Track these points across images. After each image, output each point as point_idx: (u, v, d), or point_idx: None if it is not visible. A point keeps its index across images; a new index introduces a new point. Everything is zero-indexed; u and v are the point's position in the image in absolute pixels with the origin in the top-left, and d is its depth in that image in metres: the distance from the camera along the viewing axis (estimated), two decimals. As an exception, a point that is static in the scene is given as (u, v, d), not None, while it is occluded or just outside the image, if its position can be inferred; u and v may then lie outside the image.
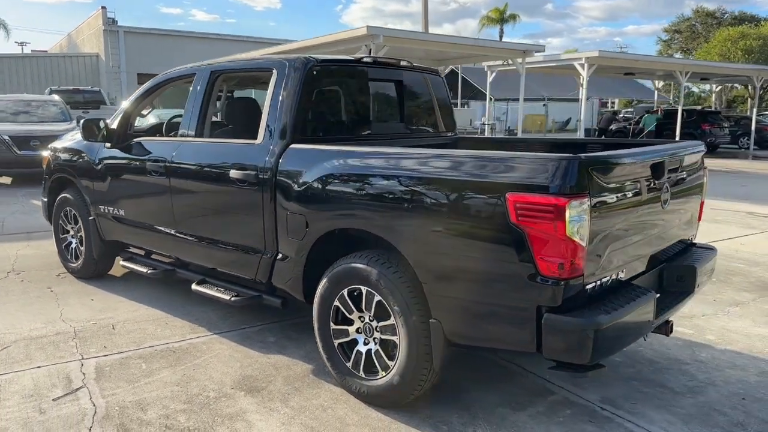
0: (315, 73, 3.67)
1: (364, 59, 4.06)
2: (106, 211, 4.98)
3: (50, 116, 12.74)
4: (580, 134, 20.18)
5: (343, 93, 4.01)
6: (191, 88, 4.31)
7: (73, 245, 5.54)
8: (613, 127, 27.86)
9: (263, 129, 3.66)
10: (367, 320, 3.18)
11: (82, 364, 3.74)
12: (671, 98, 38.11)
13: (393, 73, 4.30)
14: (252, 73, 4.74)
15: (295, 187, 3.40)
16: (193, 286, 4.14)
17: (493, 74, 20.13)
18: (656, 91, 31.18)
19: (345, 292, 3.21)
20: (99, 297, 5.06)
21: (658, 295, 2.91)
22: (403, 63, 4.35)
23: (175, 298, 4.96)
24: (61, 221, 5.62)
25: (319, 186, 3.28)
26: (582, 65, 18.03)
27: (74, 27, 38.70)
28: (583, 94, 19.21)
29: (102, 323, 4.44)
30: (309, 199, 3.34)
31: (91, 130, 4.74)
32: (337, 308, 3.28)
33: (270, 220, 3.54)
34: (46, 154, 5.88)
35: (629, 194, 2.82)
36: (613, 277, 2.82)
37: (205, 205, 4.05)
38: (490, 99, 23.24)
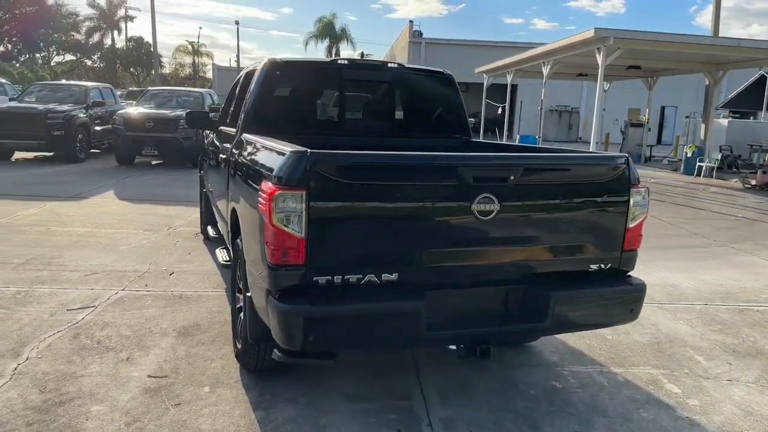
0: (278, 72, 4.20)
1: (338, 61, 4.38)
2: (206, 185, 6.22)
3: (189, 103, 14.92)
4: None
5: (308, 91, 4.40)
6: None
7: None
8: None
9: (237, 120, 4.33)
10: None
11: (117, 293, 4.96)
12: None
13: (374, 73, 4.50)
14: None
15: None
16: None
17: None
18: None
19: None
20: (197, 254, 6.35)
21: (422, 302, 2.73)
22: (391, 65, 4.52)
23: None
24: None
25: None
26: None
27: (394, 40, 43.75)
28: None
29: (171, 270, 5.65)
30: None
31: (191, 120, 5.99)
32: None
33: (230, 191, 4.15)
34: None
35: (387, 196, 2.71)
36: (373, 278, 2.76)
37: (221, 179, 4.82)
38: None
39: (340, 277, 2.72)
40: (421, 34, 33.87)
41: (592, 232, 3.15)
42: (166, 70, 76.38)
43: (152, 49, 57.19)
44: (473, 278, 2.97)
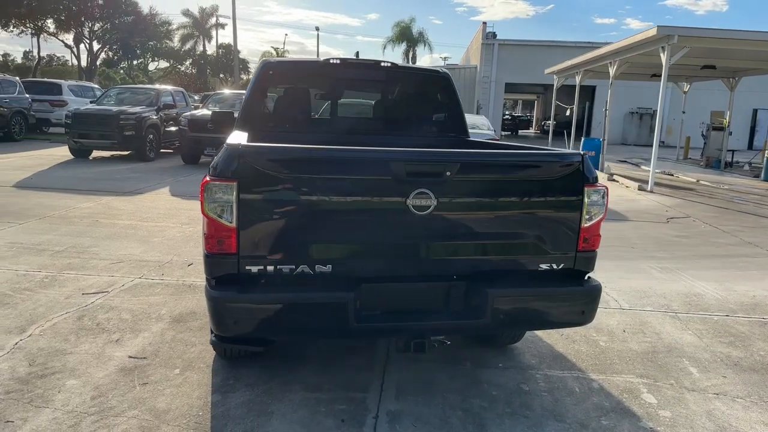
0: (270, 72, 4.36)
1: (331, 60, 4.48)
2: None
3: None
4: None
5: (300, 91, 4.53)
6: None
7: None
8: None
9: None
10: None
11: (132, 280, 5.30)
12: None
13: (366, 72, 4.55)
14: None
15: None
16: None
17: None
18: None
19: None
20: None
21: (352, 295, 2.77)
22: (384, 64, 4.56)
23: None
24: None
25: None
26: None
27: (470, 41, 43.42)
28: None
29: (191, 262, 5.96)
30: None
31: (215, 121, 6.27)
32: None
33: None
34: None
35: (319, 190, 2.77)
36: (307, 269, 2.83)
37: None
38: None
39: (273, 266, 2.81)
40: (495, 35, 33.38)
41: (542, 231, 3.08)
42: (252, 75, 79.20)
43: (232, 56, 59.44)
44: (411, 273, 2.98)
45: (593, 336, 4.48)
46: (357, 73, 4.61)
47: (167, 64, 62.22)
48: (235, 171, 2.69)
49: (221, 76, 68.83)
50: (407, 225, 2.87)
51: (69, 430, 2.95)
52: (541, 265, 3.11)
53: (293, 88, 4.59)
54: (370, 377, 3.65)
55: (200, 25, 64.33)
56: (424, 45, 52.36)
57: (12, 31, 42.55)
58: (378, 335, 3.11)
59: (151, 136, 14.68)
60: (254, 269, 2.80)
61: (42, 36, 44.15)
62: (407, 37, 51.28)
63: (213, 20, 65.56)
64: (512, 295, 3.00)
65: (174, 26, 59.90)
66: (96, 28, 46.09)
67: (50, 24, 43.22)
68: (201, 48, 66.66)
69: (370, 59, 4.56)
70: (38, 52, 50.20)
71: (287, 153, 2.79)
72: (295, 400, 3.35)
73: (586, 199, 3.07)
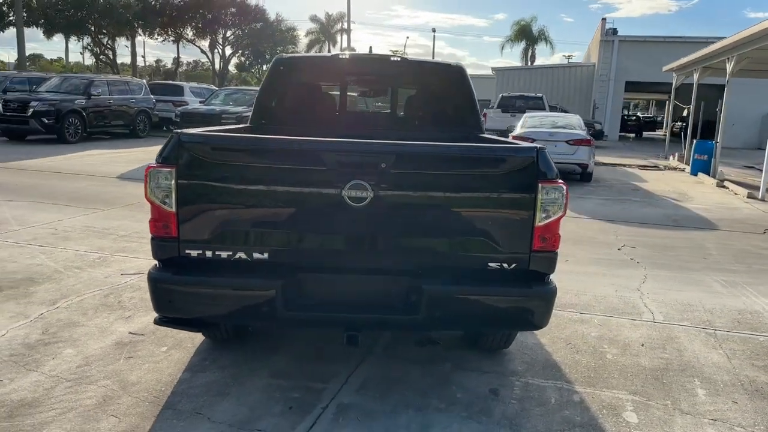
0: (281, 68, 4.50)
1: (340, 56, 4.51)
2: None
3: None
4: None
5: (311, 86, 4.60)
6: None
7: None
8: None
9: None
10: None
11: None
12: None
13: (376, 67, 4.53)
14: None
15: None
16: None
17: None
18: None
19: None
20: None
21: (280, 283, 2.81)
22: (394, 59, 4.53)
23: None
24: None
25: None
26: None
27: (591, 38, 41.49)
28: None
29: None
30: None
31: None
32: None
33: None
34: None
35: (256, 178, 2.83)
36: (244, 255, 2.90)
37: None
38: None
39: (211, 252, 2.92)
40: (616, 31, 31.60)
41: (490, 229, 2.92)
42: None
43: (358, 57, 60.48)
44: (347, 265, 2.96)
45: (603, 347, 4.16)
46: (366, 67, 4.61)
47: (292, 67, 65.06)
48: (175, 158, 2.82)
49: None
50: (343, 217, 2.86)
51: (43, 392, 3.24)
52: (490, 264, 2.96)
53: (303, 83, 4.68)
54: (340, 370, 3.65)
55: (327, 30, 66.89)
56: (546, 43, 50.86)
57: (156, 39, 46.85)
58: (309, 325, 3.11)
59: (250, 134, 15.54)
60: (194, 253, 2.92)
61: (181, 42, 48.05)
62: (526, 35, 50.02)
63: (339, 25, 68.02)
64: (450, 293, 2.89)
65: (299, 32, 62.74)
66: (228, 35, 49.46)
67: (188, 32, 47.01)
68: (326, 52, 69.42)
69: (380, 53, 4.55)
70: (177, 58, 54.78)
71: (224, 141, 2.90)
72: (258, 384, 3.44)
73: (540, 196, 2.88)
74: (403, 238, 2.93)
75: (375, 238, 2.94)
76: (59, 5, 37.37)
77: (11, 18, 31.32)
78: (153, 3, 42.94)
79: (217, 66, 50.58)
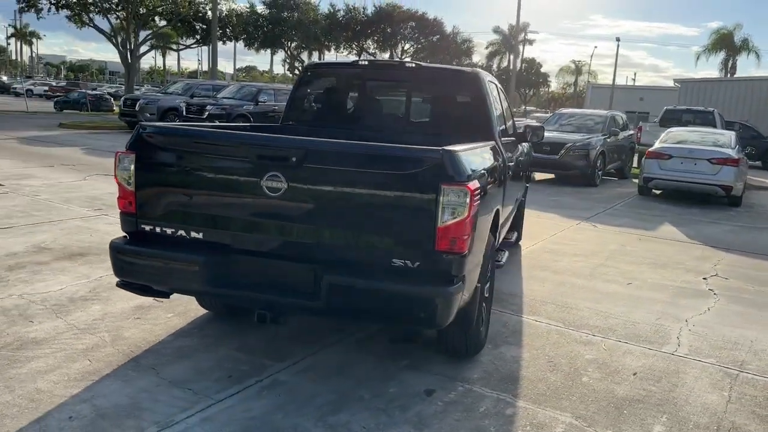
0: (309, 74, 4.90)
1: (359, 62, 4.75)
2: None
3: (591, 128, 14.52)
4: None
5: (333, 90, 4.90)
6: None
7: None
8: None
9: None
10: None
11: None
12: None
13: (392, 73, 4.70)
14: None
15: None
16: None
17: None
18: None
19: None
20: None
21: (202, 259, 3.15)
22: (409, 65, 4.66)
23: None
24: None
25: None
26: None
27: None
28: None
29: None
30: None
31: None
32: None
33: None
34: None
35: (194, 165, 3.22)
36: (182, 233, 3.31)
37: None
38: None
39: (159, 227, 3.37)
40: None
41: (394, 227, 3.00)
42: (552, 88, 78.92)
43: (534, 70, 59.63)
44: (264, 249, 3.22)
45: (586, 371, 3.92)
46: (383, 73, 4.83)
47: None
48: (134, 144, 3.33)
49: (522, 90, 70.21)
50: (262, 204, 3.15)
51: (54, 335, 3.94)
52: (395, 261, 3.03)
53: (328, 87, 5.02)
54: (300, 352, 3.91)
55: (508, 41, 66.49)
56: (751, 53, 45.58)
57: (342, 52, 50.26)
58: (226, 300, 3.38)
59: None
60: (147, 228, 3.40)
61: (362, 55, 50.95)
62: (727, 45, 45.23)
63: (521, 36, 67.21)
64: (348, 284, 3.02)
65: (480, 42, 63.03)
66: (407, 47, 51.43)
67: (370, 45, 49.79)
68: (504, 63, 68.98)
69: (395, 60, 4.71)
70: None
71: (169, 132, 3.34)
72: (219, 354, 3.84)
73: (442, 198, 2.91)
74: (312, 228, 3.13)
75: (288, 227, 3.17)
76: (258, 21, 41.84)
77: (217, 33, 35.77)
78: (340, 19, 46.24)
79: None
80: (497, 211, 4.10)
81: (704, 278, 6.42)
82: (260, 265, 3.24)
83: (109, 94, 39.99)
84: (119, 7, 30.94)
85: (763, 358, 4.32)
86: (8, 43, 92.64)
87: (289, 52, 48.80)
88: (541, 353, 4.16)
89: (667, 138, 12.66)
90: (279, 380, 3.53)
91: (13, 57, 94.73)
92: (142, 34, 33.64)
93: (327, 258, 3.12)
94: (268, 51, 51.28)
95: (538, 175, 15.01)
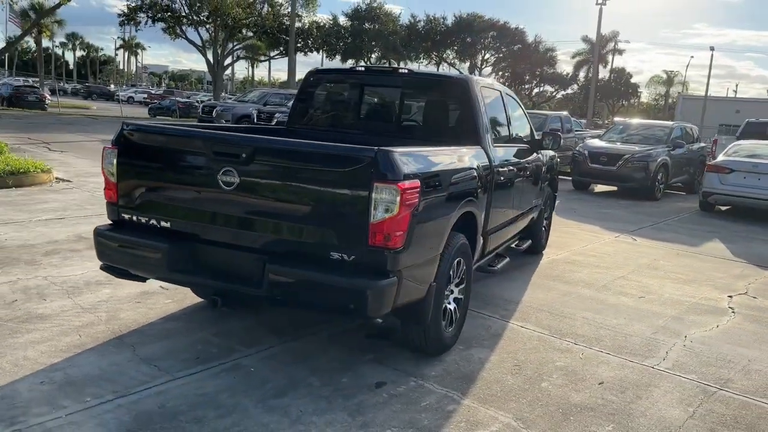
0: (311, 79, 5.16)
1: (356, 68, 4.94)
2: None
3: (653, 139, 13.97)
4: None
5: (332, 94, 5.10)
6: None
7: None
8: None
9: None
10: None
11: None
12: None
13: (386, 79, 4.85)
14: None
15: None
16: None
17: None
18: None
19: None
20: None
21: (166, 246, 3.44)
22: (402, 71, 4.80)
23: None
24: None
25: None
26: None
27: None
28: None
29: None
30: None
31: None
32: None
33: None
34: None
35: (163, 160, 3.52)
36: (153, 222, 3.61)
37: None
38: None
39: (135, 216, 3.70)
40: None
41: (330, 221, 3.16)
42: (644, 98, 75.83)
43: (624, 80, 57.65)
44: (218, 239, 3.46)
45: (550, 377, 3.89)
46: (378, 80, 5.00)
47: (551, 89, 64.17)
48: (117, 140, 3.68)
49: (609, 101, 67.85)
50: (219, 197, 3.41)
51: (59, 312, 4.37)
52: (332, 254, 3.19)
53: (328, 92, 5.24)
54: (272, 341, 4.13)
55: (597, 50, 64.60)
56: None
57: (421, 62, 50.65)
58: (185, 285, 3.61)
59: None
60: (126, 216, 3.74)
61: (442, 65, 51.16)
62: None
63: (610, 45, 65.10)
64: (287, 274, 3.20)
65: (567, 51, 61.65)
66: (487, 57, 51.16)
67: (450, 55, 49.93)
68: (591, 73, 66.98)
69: (388, 67, 4.87)
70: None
71: (142, 129, 3.66)
72: (196, 337, 4.11)
73: (374, 195, 3.04)
74: (260, 221, 3.34)
75: (240, 219, 3.40)
76: (339, 33, 43.01)
77: (299, 44, 37.19)
78: (419, 29, 46.70)
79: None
80: (471, 214, 4.14)
81: (729, 296, 6.09)
82: (216, 254, 3.49)
83: (200, 101, 42.40)
84: (209, 20, 32.85)
85: (753, 377, 4.10)
86: (116, 54, 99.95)
87: (369, 63, 49.83)
88: (510, 357, 4.16)
89: (734, 151, 11.97)
90: (241, 364, 3.76)
91: (121, 66, 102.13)
92: (230, 46, 35.56)
93: (273, 249, 3.32)
94: (350, 62, 52.76)
95: (599, 187, 14.62)
